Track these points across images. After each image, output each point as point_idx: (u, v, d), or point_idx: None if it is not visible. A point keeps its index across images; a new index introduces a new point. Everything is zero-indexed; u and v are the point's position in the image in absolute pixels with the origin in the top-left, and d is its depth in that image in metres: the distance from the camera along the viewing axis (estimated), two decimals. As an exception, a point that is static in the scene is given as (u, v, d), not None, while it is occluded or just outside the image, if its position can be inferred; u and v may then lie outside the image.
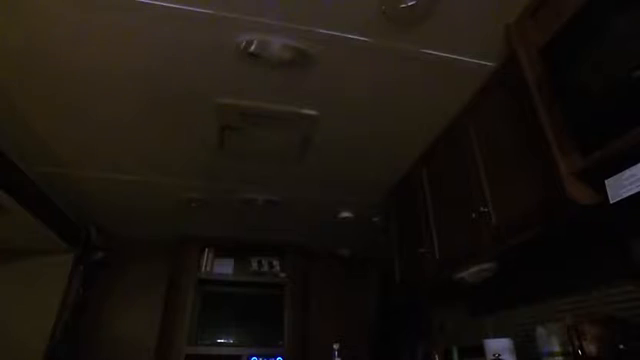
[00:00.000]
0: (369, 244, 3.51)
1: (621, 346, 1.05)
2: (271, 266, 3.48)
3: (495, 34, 1.40)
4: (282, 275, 3.45)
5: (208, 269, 3.35)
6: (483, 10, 1.33)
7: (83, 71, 1.57)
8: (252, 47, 1.44)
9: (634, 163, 0.92)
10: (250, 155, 2.21)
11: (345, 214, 2.97)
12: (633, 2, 0.89)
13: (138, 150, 2.15)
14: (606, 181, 0.98)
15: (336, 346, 2.24)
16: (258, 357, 3.09)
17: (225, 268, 3.40)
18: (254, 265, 3.44)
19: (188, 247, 3.37)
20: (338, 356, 2.23)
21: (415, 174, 2.23)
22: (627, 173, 0.93)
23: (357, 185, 2.59)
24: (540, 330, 1.31)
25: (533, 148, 1.27)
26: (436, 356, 2.15)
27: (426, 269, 1.97)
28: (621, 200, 0.94)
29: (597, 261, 1.35)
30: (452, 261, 1.74)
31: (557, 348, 1.22)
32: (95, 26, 1.37)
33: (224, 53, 1.48)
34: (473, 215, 1.55)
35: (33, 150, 2.08)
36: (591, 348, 1.09)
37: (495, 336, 1.59)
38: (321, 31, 1.40)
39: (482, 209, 1.50)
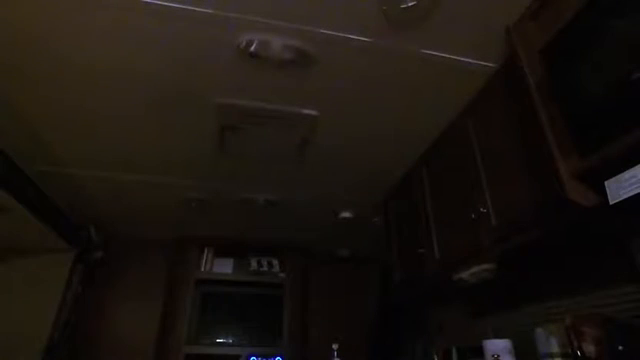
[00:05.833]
0: (369, 244, 3.51)
1: (620, 347, 1.05)
2: (271, 266, 3.48)
3: (495, 35, 1.40)
4: (282, 275, 3.45)
5: (207, 268, 3.34)
6: (483, 11, 1.33)
7: (84, 70, 1.57)
8: (252, 47, 1.44)
9: (634, 164, 0.92)
10: (250, 155, 2.21)
11: (345, 214, 2.97)
12: (633, 3, 0.89)
13: (138, 150, 2.15)
14: (606, 182, 0.98)
15: (335, 346, 2.24)
16: (257, 357, 3.09)
17: (224, 267, 3.40)
18: (254, 265, 3.44)
19: (188, 246, 3.37)
20: (337, 356, 2.23)
21: (415, 174, 2.23)
22: (627, 174, 0.93)
23: (357, 185, 2.58)
24: (539, 331, 1.30)
25: (533, 149, 1.27)
26: (435, 356, 2.15)
27: (426, 269, 1.97)
28: (621, 201, 0.94)
29: (597, 262, 1.35)
30: (452, 261, 1.74)
31: (556, 349, 1.22)
32: (97, 25, 1.37)
33: (224, 53, 1.48)
34: (473, 215, 1.55)
35: (33, 149, 2.08)
36: (590, 349, 1.09)
37: (494, 337, 1.59)
38: (321, 31, 1.40)
39: (482, 209, 1.50)
